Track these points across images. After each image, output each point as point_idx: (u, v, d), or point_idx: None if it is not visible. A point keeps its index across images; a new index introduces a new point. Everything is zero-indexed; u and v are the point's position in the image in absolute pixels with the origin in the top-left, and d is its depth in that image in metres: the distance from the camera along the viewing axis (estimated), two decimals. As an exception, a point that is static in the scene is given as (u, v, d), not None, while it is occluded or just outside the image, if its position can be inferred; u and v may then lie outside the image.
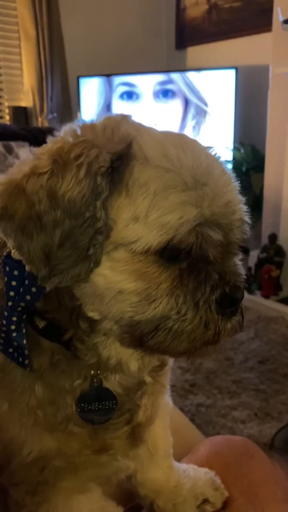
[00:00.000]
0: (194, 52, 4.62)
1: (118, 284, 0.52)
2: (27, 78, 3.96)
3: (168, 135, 0.56)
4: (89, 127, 0.55)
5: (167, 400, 0.79)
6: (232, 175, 0.59)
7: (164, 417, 0.79)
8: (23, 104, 4.09)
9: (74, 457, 0.61)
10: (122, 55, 4.32)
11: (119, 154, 0.51)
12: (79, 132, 0.54)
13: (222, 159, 0.60)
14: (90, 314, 0.56)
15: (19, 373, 0.59)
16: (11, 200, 0.50)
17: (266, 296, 3.35)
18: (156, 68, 4.39)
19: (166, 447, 0.80)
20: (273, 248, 3.40)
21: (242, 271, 0.57)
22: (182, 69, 4.44)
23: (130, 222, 0.51)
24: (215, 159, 0.58)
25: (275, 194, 3.45)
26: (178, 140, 0.56)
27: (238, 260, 0.58)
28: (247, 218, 0.58)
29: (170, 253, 0.51)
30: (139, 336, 0.54)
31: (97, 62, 4.20)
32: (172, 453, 0.81)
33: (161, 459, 0.79)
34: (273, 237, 3.42)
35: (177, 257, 0.52)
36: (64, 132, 0.55)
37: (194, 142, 0.58)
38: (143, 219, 0.50)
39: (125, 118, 0.57)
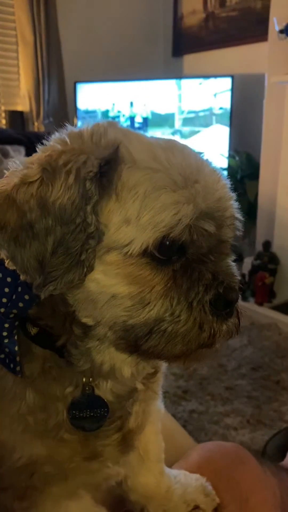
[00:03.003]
0: (190, 60, 4.66)
1: (111, 288, 0.52)
2: (24, 83, 3.97)
3: (156, 139, 0.57)
4: (77, 134, 0.55)
5: (158, 405, 0.79)
6: (222, 173, 0.59)
7: (156, 422, 0.79)
8: (19, 108, 4.10)
9: (64, 464, 0.61)
10: (119, 62, 4.34)
11: (107, 159, 0.51)
12: (67, 139, 0.54)
13: (214, 164, 0.60)
14: (84, 320, 0.55)
15: (11, 379, 0.59)
16: (2, 211, 0.50)
17: (260, 303, 3.36)
18: (152, 75, 4.42)
19: (157, 452, 0.79)
20: (267, 255, 3.42)
21: (236, 272, 0.56)
22: (179, 76, 4.47)
23: (122, 225, 0.51)
24: (205, 160, 0.59)
25: (269, 201, 3.47)
26: (166, 144, 0.56)
27: (231, 261, 0.58)
28: (238, 215, 0.58)
29: (163, 254, 0.51)
30: (133, 341, 0.53)
31: (94, 68, 4.22)
32: (163, 458, 0.80)
33: (153, 464, 0.78)
34: (267, 244, 3.43)
35: (170, 258, 0.52)
36: (53, 140, 0.55)
37: (184, 145, 0.58)
38: (135, 221, 0.51)
39: (112, 124, 0.57)
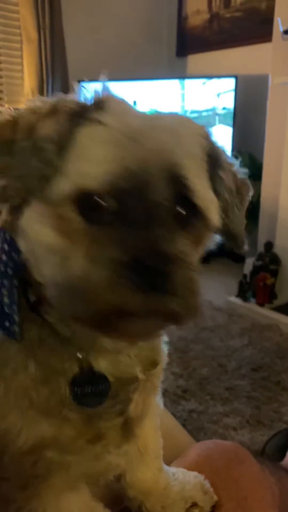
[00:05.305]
0: (194, 60, 4.66)
1: (42, 239, 0.53)
2: (28, 81, 3.98)
3: (143, 114, 0.59)
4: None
5: (157, 401, 0.79)
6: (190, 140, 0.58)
7: (155, 418, 0.79)
8: (23, 106, 4.09)
9: (69, 446, 0.61)
10: (123, 61, 4.34)
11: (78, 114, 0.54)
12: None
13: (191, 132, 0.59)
14: (35, 276, 0.56)
15: (14, 348, 0.59)
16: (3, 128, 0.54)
17: (261, 304, 3.36)
18: (156, 75, 4.42)
19: (156, 448, 0.80)
20: (269, 256, 3.42)
21: (173, 244, 0.51)
22: (182, 76, 4.47)
23: (58, 176, 0.52)
24: (173, 124, 0.58)
25: (271, 202, 3.47)
26: (148, 115, 0.58)
27: (172, 233, 0.52)
28: (191, 181, 0.55)
29: (89, 210, 0.51)
30: (59, 303, 0.52)
31: (97, 67, 4.22)
32: (162, 455, 0.81)
33: (151, 460, 0.78)
34: (268, 245, 3.43)
35: (98, 216, 0.51)
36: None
37: (173, 116, 0.59)
38: (66, 172, 0.51)
39: (111, 95, 0.59)
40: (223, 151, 0.64)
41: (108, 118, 0.53)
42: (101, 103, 0.55)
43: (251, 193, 0.67)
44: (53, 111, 0.54)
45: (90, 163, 0.51)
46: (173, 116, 0.61)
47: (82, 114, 0.54)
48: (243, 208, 0.66)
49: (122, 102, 0.58)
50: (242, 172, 0.67)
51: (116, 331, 0.51)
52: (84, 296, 0.48)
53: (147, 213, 0.51)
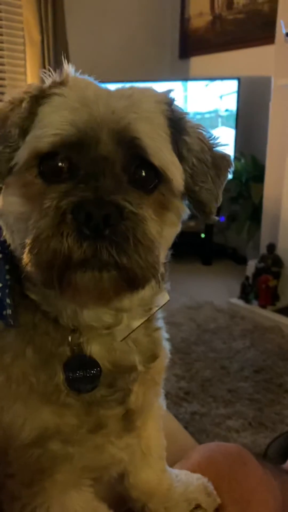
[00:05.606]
0: (197, 62, 4.67)
1: (12, 208, 0.57)
2: (31, 82, 3.98)
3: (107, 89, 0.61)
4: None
5: (160, 402, 0.79)
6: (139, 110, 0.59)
7: (158, 419, 0.79)
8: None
9: (71, 436, 0.62)
10: (126, 63, 4.35)
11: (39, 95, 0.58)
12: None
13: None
14: (14, 250, 0.58)
15: (11, 336, 0.60)
16: None
17: (263, 306, 3.36)
18: (159, 77, 4.43)
19: (159, 449, 0.79)
20: (271, 258, 3.42)
21: (119, 195, 0.51)
22: (185, 78, 4.48)
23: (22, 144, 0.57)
24: (124, 94, 0.60)
25: (274, 204, 3.47)
26: (110, 89, 0.61)
27: (119, 184, 0.53)
28: (143, 141, 0.56)
29: (50, 172, 0.54)
30: (30, 268, 0.53)
31: (101, 69, 4.23)
32: (165, 456, 0.80)
33: (154, 461, 0.78)
34: (271, 247, 3.43)
35: (57, 175, 0.54)
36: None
37: (134, 87, 0.62)
38: (26, 140, 0.56)
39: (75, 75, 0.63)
40: (187, 117, 0.65)
41: (67, 90, 0.57)
42: (65, 81, 0.59)
43: (231, 168, 0.67)
44: (21, 99, 0.59)
45: (44, 128, 0.55)
46: (134, 87, 0.63)
47: (44, 95, 0.58)
48: (219, 181, 0.65)
49: (85, 80, 0.62)
50: (219, 145, 0.67)
51: (68, 286, 0.51)
52: (37, 249, 0.50)
53: (94, 166, 0.53)
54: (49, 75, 0.61)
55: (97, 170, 0.52)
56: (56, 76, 0.61)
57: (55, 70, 0.63)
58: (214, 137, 0.66)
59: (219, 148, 0.66)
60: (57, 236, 0.49)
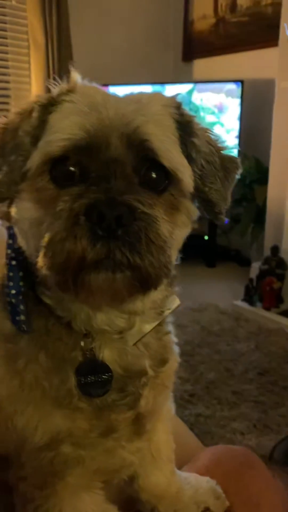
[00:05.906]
0: (200, 65, 4.67)
1: (26, 214, 0.58)
2: (35, 86, 4.00)
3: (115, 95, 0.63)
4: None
5: (169, 405, 0.79)
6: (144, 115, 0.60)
7: (167, 422, 0.80)
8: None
9: (82, 440, 0.62)
10: (130, 66, 4.36)
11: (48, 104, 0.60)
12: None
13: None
14: (29, 257, 0.60)
15: (25, 341, 0.61)
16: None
17: (267, 308, 3.35)
18: (163, 80, 4.44)
19: (168, 452, 0.80)
20: (275, 260, 3.41)
21: (130, 195, 0.52)
22: (189, 81, 4.48)
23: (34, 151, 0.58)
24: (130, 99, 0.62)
25: (278, 206, 3.46)
26: (118, 95, 0.63)
27: (130, 186, 0.54)
28: (153, 143, 0.57)
29: (62, 176, 0.55)
30: (45, 272, 0.54)
31: (105, 72, 4.25)
32: (174, 459, 0.81)
33: (164, 464, 0.79)
34: (275, 249, 3.42)
35: (70, 180, 0.55)
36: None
37: (142, 93, 0.64)
38: (38, 146, 0.58)
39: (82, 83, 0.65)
40: (196, 120, 0.66)
41: (76, 97, 0.59)
42: (73, 88, 0.61)
43: (239, 171, 0.68)
44: (31, 109, 0.60)
45: (55, 134, 0.56)
46: (142, 92, 0.65)
47: (53, 102, 0.60)
48: (228, 183, 0.66)
49: (93, 87, 0.63)
50: (227, 147, 0.68)
51: (83, 287, 0.52)
52: (52, 252, 0.51)
53: (105, 169, 0.54)
54: (56, 84, 0.63)
55: (108, 172, 0.53)
56: (63, 84, 0.63)
57: (59, 75, 0.64)
58: (222, 140, 0.68)
59: (222, 145, 0.68)
60: (71, 237, 0.50)
